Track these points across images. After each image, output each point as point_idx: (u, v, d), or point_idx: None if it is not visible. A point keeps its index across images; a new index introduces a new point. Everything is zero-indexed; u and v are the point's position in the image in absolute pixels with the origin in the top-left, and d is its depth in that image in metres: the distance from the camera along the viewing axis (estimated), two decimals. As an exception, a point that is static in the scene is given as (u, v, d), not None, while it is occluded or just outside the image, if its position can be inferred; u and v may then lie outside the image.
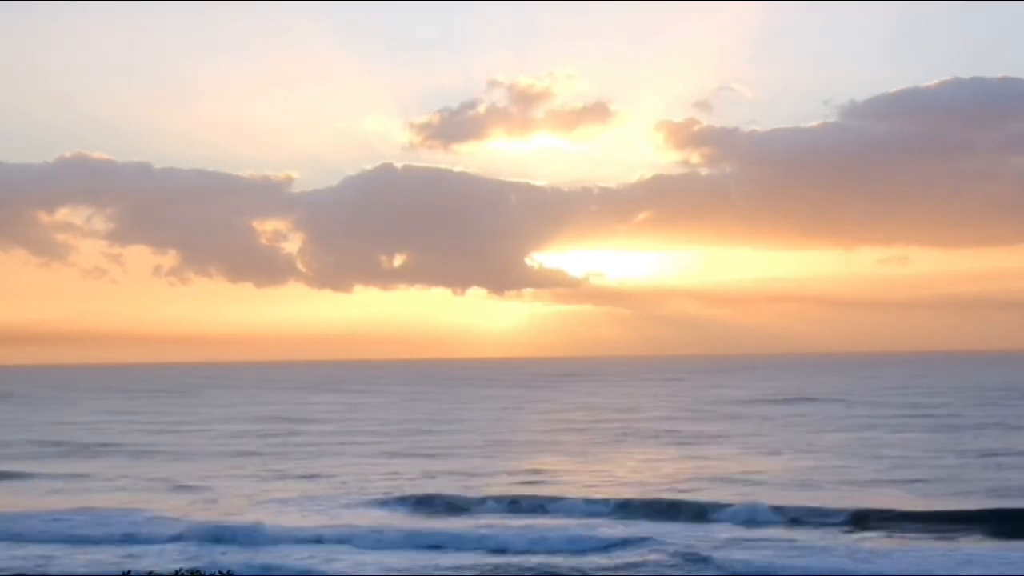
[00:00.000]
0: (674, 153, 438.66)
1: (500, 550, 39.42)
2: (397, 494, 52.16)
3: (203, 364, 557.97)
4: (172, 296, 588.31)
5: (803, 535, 41.12)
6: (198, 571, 19.08)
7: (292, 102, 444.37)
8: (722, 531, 42.26)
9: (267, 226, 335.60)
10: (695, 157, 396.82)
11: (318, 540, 41.33)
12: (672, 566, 36.77)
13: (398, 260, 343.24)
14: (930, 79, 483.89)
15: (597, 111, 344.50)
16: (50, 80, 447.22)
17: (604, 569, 36.82)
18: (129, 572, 22.07)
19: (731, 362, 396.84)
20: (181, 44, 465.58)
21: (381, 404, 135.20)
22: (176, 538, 42.11)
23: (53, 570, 38.05)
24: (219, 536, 41.95)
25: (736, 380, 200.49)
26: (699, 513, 45.81)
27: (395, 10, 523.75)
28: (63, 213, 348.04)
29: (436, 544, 40.90)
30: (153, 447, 79.22)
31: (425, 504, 50.17)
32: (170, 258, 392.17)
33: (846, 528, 42.46)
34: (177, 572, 18.96)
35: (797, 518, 43.98)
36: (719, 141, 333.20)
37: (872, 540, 40.03)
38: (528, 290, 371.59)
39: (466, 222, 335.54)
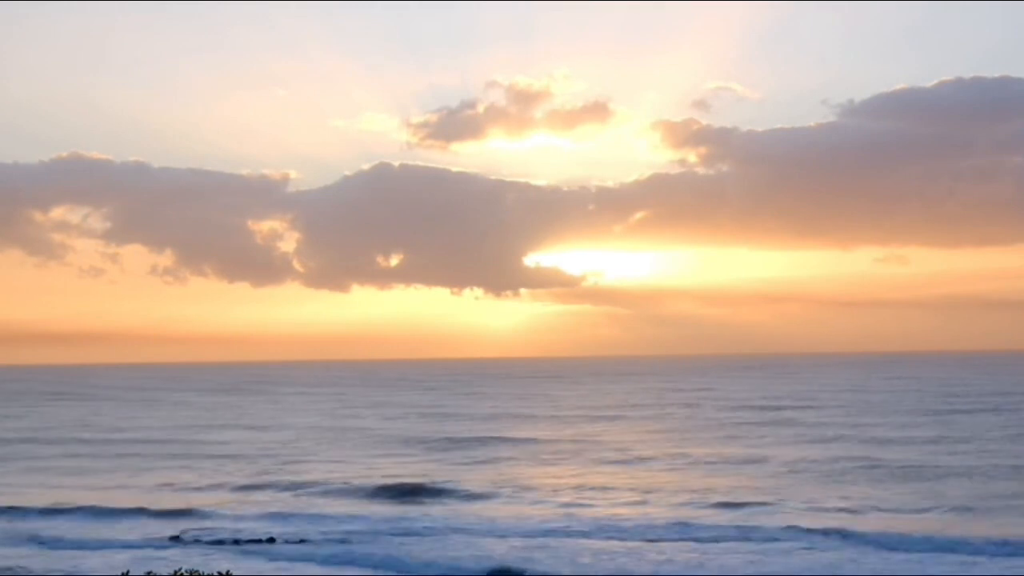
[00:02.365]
0: (673, 153, 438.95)
1: None
2: None
3: (192, 365, 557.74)
4: (169, 296, 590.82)
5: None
6: (198, 571, 19.02)
7: (290, 101, 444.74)
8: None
9: (264, 225, 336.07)
10: (693, 157, 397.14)
11: None
12: None
13: (395, 260, 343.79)
14: (930, 79, 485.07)
15: (596, 111, 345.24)
16: (46, 80, 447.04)
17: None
18: (128, 572, 22.03)
19: (724, 362, 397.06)
20: (179, 43, 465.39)
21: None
22: None
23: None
24: None
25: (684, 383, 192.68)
26: None
27: (394, 10, 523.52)
28: (59, 213, 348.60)
29: None
30: None
31: None
32: (166, 257, 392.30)
33: None
34: (177, 572, 18.87)
35: None
36: (718, 141, 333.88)
37: None
38: (524, 290, 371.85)
39: (464, 221, 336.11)
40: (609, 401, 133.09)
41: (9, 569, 38.34)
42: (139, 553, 39.50)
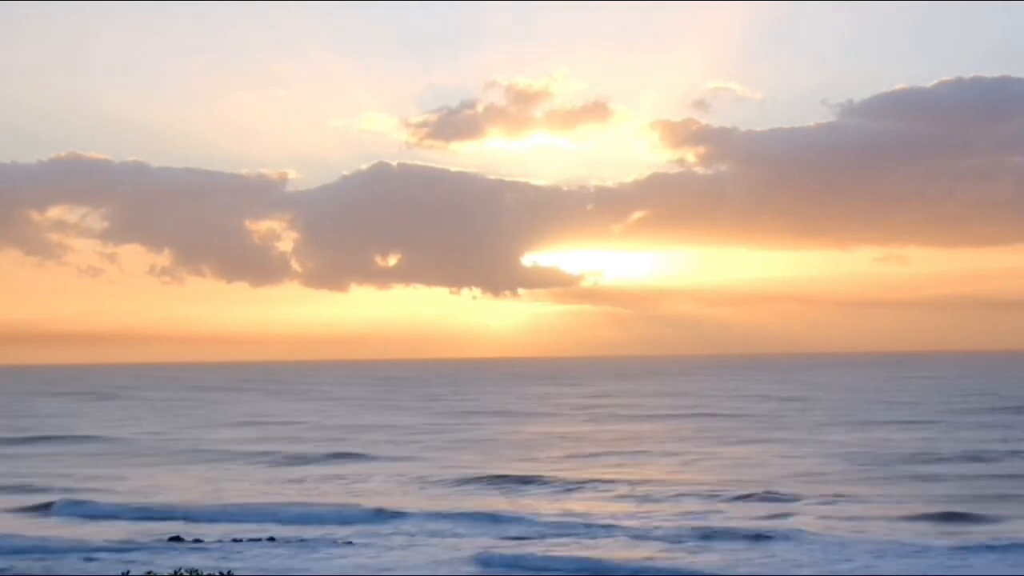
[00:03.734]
0: (672, 152, 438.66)
1: None
2: None
3: (184, 365, 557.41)
4: (168, 296, 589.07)
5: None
6: (198, 571, 18.82)
7: (290, 101, 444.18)
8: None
9: (262, 225, 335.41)
10: (692, 157, 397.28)
11: None
12: None
13: (394, 259, 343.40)
14: (930, 79, 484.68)
15: (595, 110, 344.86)
16: (45, 79, 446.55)
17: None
18: (128, 572, 21.85)
19: (714, 363, 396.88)
20: (178, 43, 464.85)
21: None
22: None
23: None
24: None
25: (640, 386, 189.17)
26: None
27: (394, 10, 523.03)
28: (57, 212, 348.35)
29: None
30: None
31: None
32: (165, 257, 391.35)
33: None
34: (177, 572, 18.64)
35: None
36: (717, 141, 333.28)
37: None
38: (522, 290, 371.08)
39: (462, 221, 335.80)
40: (477, 406, 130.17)
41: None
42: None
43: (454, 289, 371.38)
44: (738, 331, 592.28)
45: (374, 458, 72.17)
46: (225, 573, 18.49)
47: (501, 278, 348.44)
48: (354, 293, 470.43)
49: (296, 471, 66.21)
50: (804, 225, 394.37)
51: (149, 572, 22.87)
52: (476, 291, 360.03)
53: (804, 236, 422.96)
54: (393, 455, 74.00)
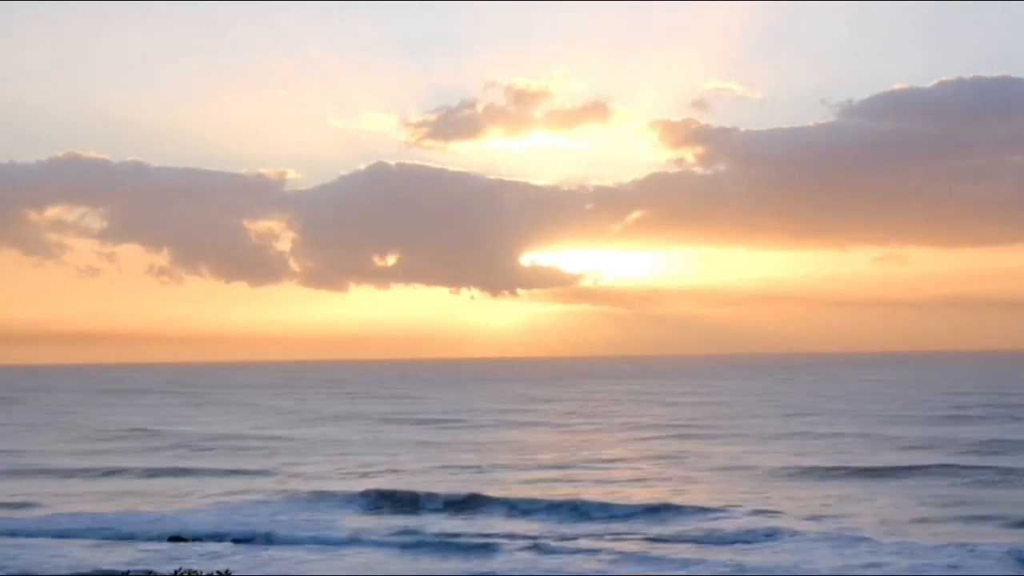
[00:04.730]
0: (671, 152, 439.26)
1: None
2: None
3: (186, 365, 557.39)
4: (167, 296, 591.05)
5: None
6: (197, 572, 18.95)
7: (289, 101, 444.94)
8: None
9: (261, 225, 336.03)
10: (692, 156, 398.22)
11: None
12: None
13: (392, 259, 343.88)
14: (930, 79, 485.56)
15: (595, 110, 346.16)
16: (44, 79, 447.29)
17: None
18: (128, 572, 21.98)
19: (717, 362, 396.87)
20: (178, 43, 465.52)
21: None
22: None
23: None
24: None
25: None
26: None
27: (394, 10, 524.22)
28: (56, 212, 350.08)
29: None
30: None
31: None
32: (163, 257, 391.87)
33: None
34: (176, 572, 18.79)
35: None
36: (716, 140, 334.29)
37: None
38: (520, 290, 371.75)
39: (462, 221, 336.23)
40: (397, 410, 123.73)
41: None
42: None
43: (453, 289, 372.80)
44: (737, 331, 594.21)
45: (203, 472, 64.06)
46: (224, 572, 18.64)
47: (500, 278, 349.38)
48: (353, 293, 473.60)
49: (85, 484, 60.31)
50: (804, 225, 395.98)
51: (149, 572, 23.00)
52: (475, 291, 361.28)
53: (804, 236, 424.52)
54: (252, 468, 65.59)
